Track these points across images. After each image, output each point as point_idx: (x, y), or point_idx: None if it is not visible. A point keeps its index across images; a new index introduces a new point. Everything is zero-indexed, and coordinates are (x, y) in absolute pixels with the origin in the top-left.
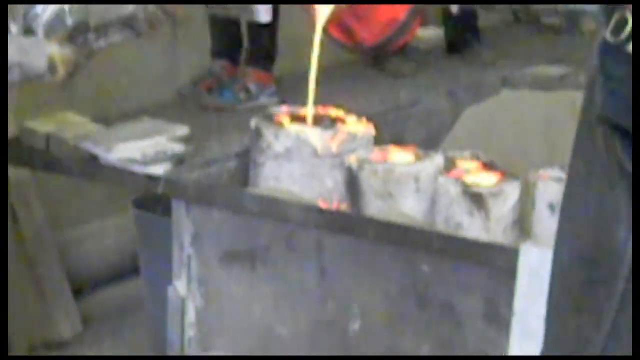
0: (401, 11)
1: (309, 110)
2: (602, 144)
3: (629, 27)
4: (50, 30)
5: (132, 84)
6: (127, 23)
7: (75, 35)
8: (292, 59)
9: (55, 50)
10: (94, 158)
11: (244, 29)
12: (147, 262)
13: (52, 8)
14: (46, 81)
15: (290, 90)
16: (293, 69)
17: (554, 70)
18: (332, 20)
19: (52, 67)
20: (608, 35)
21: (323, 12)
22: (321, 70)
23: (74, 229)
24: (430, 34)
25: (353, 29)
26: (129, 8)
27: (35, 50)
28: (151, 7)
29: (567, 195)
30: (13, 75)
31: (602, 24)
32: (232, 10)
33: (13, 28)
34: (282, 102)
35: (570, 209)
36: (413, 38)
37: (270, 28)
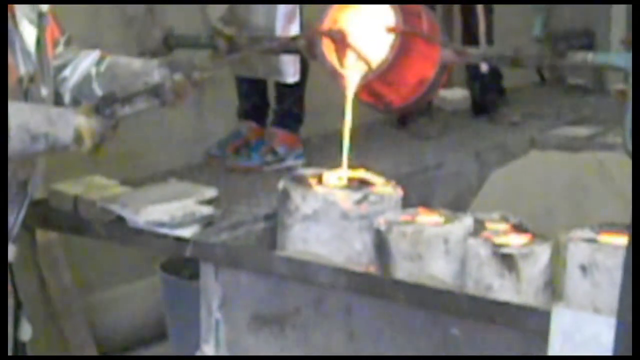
0: (430, 70)
1: (337, 173)
2: None
3: None
4: (78, 93)
5: (159, 146)
6: (154, 92)
7: (102, 105)
8: (319, 120)
9: (82, 121)
10: (121, 220)
11: (271, 90)
12: (175, 326)
13: (79, 72)
14: (72, 151)
15: (317, 152)
16: (320, 130)
17: (582, 131)
18: (362, 88)
19: (78, 138)
20: None
21: (353, 79)
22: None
23: (101, 292)
24: (456, 95)
25: (383, 94)
26: (156, 77)
27: (62, 121)
28: (178, 77)
29: (627, 261)
30: (39, 146)
31: None
32: (259, 70)
33: (44, 91)
34: (309, 164)
35: (630, 276)
36: (439, 99)
37: (298, 89)
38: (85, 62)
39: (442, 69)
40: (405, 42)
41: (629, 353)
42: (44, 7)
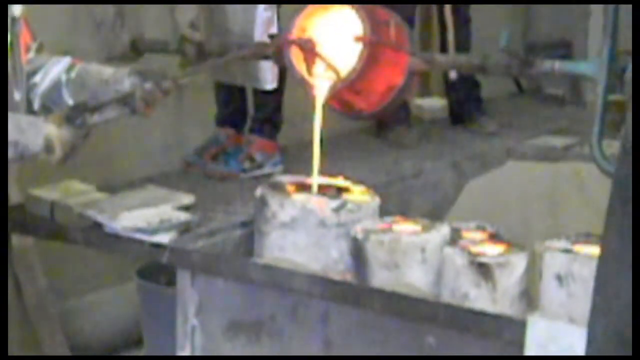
0: (398, 77)
1: (314, 180)
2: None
3: None
4: (48, 100)
5: (136, 151)
6: (124, 101)
7: (73, 114)
8: (297, 127)
9: (53, 131)
10: (98, 226)
11: (249, 96)
12: (151, 333)
13: (49, 78)
14: (42, 160)
15: (295, 159)
16: (298, 138)
17: (558, 141)
18: (331, 97)
19: (49, 147)
20: None
21: (322, 88)
22: (325, 139)
23: (77, 298)
24: (434, 104)
25: (352, 102)
26: (126, 86)
27: (32, 130)
28: (148, 86)
29: (601, 271)
30: (10, 153)
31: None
32: (237, 76)
33: (17, 96)
34: (287, 171)
35: (604, 286)
36: (417, 108)
37: (276, 95)
38: (55, 69)
39: (411, 75)
40: (373, 51)
41: None
42: (17, 11)
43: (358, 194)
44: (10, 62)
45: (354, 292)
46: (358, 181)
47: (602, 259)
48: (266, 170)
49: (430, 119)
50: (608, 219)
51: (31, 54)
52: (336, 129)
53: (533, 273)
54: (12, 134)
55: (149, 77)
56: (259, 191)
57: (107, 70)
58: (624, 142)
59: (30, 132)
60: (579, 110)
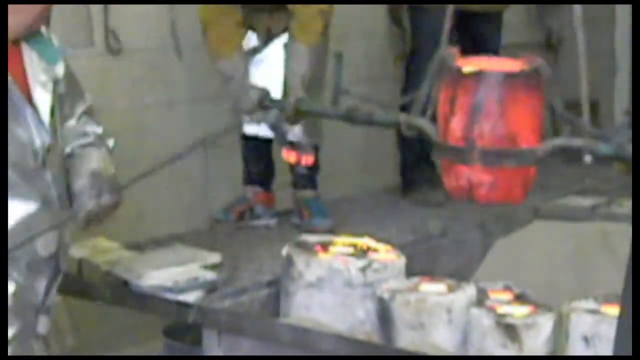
0: None
1: (341, 239)
2: None
3: None
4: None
5: (163, 209)
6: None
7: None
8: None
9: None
10: (125, 284)
11: (277, 154)
12: None
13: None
14: None
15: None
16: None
17: (585, 201)
18: None
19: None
20: None
21: None
22: (352, 198)
23: (104, 356)
24: None
25: None
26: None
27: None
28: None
29: (618, 338)
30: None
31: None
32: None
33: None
34: (313, 230)
35: (621, 353)
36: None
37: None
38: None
39: None
40: None
41: None
42: (60, 73)
43: (384, 253)
44: (51, 125)
45: (379, 353)
46: (384, 240)
47: (620, 326)
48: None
49: None
50: (625, 286)
51: (72, 122)
52: (363, 187)
53: (560, 334)
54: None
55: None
56: (285, 250)
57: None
58: None
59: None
60: (604, 170)
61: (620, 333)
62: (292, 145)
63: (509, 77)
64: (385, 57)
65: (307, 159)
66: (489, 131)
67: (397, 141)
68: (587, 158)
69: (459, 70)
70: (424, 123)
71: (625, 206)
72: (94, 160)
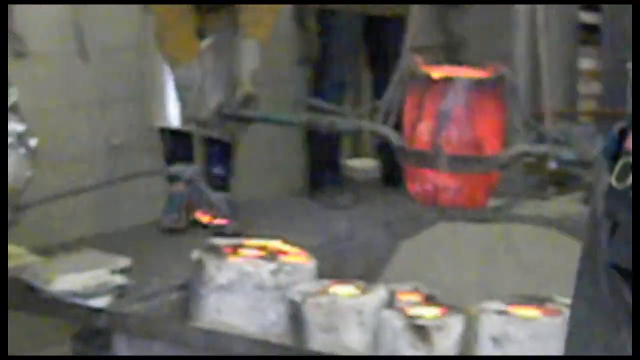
0: None
1: (251, 242)
2: (607, 288)
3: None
4: None
5: (71, 213)
6: None
7: None
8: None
9: None
10: (32, 290)
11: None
12: None
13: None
14: None
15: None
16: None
17: (489, 202)
18: None
19: None
20: (613, 181)
21: None
22: (259, 201)
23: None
24: (366, 165)
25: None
26: None
27: None
28: None
29: (570, 338)
30: None
31: (605, 169)
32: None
33: None
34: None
35: (573, 353)
36: (349, 168)
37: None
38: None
39: None
40: None
41: None
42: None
43: (294, 256)
44: None
45: (292, 355)
46: (292, 243)
47: (571, 326)
48: None
49: (363, 180)
50: (577, 287)
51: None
52: (269, 190)
53: (469, 335)
54: None
55: None
56: (195, 254)
57: None
58: (593, 209)
59: None
60: (507, 171)
61: (572, 333)
62: (209, 208)
63: (477, 83)
64: (289, 59)
65: (221, 221)
66: (456, 137)
67: (304, 142)
68: (552, 164)
69: (427, 76)
70: (386, 130)
71: (528, 207)
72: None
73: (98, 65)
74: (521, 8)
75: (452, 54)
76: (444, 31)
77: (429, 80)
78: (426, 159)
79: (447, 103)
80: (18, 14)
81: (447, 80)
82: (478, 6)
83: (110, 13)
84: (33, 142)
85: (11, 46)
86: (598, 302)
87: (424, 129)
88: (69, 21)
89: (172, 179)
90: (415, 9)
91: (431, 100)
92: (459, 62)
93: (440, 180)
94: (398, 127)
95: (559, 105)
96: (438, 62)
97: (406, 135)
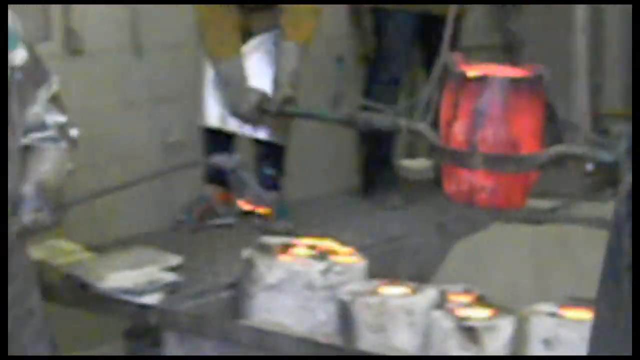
0: None
1: (302, 241)
2: (629, 291)
3: None
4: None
5: (124, 211)
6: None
7: None
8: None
9: None
10: (85, 287)
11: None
12: None
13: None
14: None
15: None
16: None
17: (544, 204)
18: None
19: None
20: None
21: None
22: (312, 200)
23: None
24: (420, 165)
25: None
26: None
27: None
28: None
29: (594, 341)
30: None
31: (627, 169)
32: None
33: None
34: (273, 231)
35: (596, 353)
36: (403, 169)
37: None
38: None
39: None
40: None
41: None
42: (15, 60)
43: (345, 255)
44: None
45: (340, 355)
46: (344, 243)
47: (594, 329)
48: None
49: (416, 180)
50: (600, 290)
51: (37, 108)
52: (323, 190)
53: (520, 337)
54: None
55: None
56: (246, 253)
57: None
58: (618, 209)
59: None
60: (562, 173)
61: (595, 334)
62: (250, 197)
63: (513, 82)
64: (348, 58)
65: (262, 210)
66: (492, 136)
67: (359, 142)
68: (589, 166)
69: (463, 75)
70: (424, 128)
71: (584, 209)
72: (47, 163)
73: (153, 63)
74: (581, 8)
75: (510, 54)
76: (502, 31)
77: (464, 78)
78: (461, 159)
79: (483, 102)
80: (76, 11)
81: (483, 79)
82: (537, 6)
83: (166, 11)
84: (74, 132)
85: (68, 43)
86: (621, 304)
87: (460, 128)
88: (125, 19)
89: (210, 177)
90: (470, 8)
91: (467, 98)
92: (514, 63)
93: (476, 180)
94: (437, 125)
95: (621, 106)
96: (495, 62)
97: (442, 134)
